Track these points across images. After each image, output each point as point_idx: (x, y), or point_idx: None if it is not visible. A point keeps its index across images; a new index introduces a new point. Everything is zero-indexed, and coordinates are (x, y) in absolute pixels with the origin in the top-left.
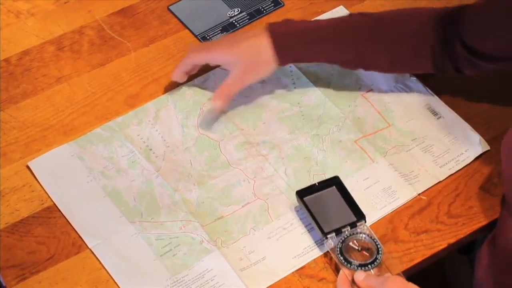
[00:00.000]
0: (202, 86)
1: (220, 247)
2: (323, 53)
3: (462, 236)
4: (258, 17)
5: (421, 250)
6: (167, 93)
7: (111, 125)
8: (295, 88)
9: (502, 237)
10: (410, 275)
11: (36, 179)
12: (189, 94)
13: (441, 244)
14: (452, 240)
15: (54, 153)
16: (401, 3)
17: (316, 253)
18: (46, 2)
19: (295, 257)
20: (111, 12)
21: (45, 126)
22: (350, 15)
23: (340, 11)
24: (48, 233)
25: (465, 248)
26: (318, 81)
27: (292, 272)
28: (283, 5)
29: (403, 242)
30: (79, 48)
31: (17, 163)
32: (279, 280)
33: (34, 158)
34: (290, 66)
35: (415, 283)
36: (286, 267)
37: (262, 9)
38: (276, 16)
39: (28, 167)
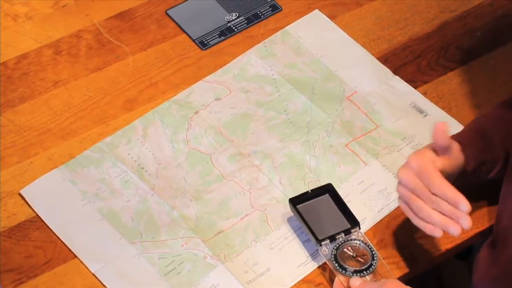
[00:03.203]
0: (187, 100)
1: (224, 262)
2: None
3: (459, 241)
4: (256, 21)
5: (419, 256)
6: (153, 110)
7: (100, 146)
8: (279, 96)
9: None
10: (407, 280)
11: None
12: (175, 109)
13: (439, 249)
14: (449, 246)
15: (45, 179)
16: (399, 8)
17: (320, 260)
18: (44, 5)
19: (299, 265)
20: (109, 16)
21: (42, 130)
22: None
23: (316, 15)
24: (45, 238)
25: (463, 254)
26: (302, 87)
27: None
28: (281, 10)
29: (401, 247)
30: (77, 52)
31: (14, 167)
32: None
33: (31, 162)
34: (273, 74)
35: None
36: (292, 277)
37: (260, 14)
38: (274, 21)
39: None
